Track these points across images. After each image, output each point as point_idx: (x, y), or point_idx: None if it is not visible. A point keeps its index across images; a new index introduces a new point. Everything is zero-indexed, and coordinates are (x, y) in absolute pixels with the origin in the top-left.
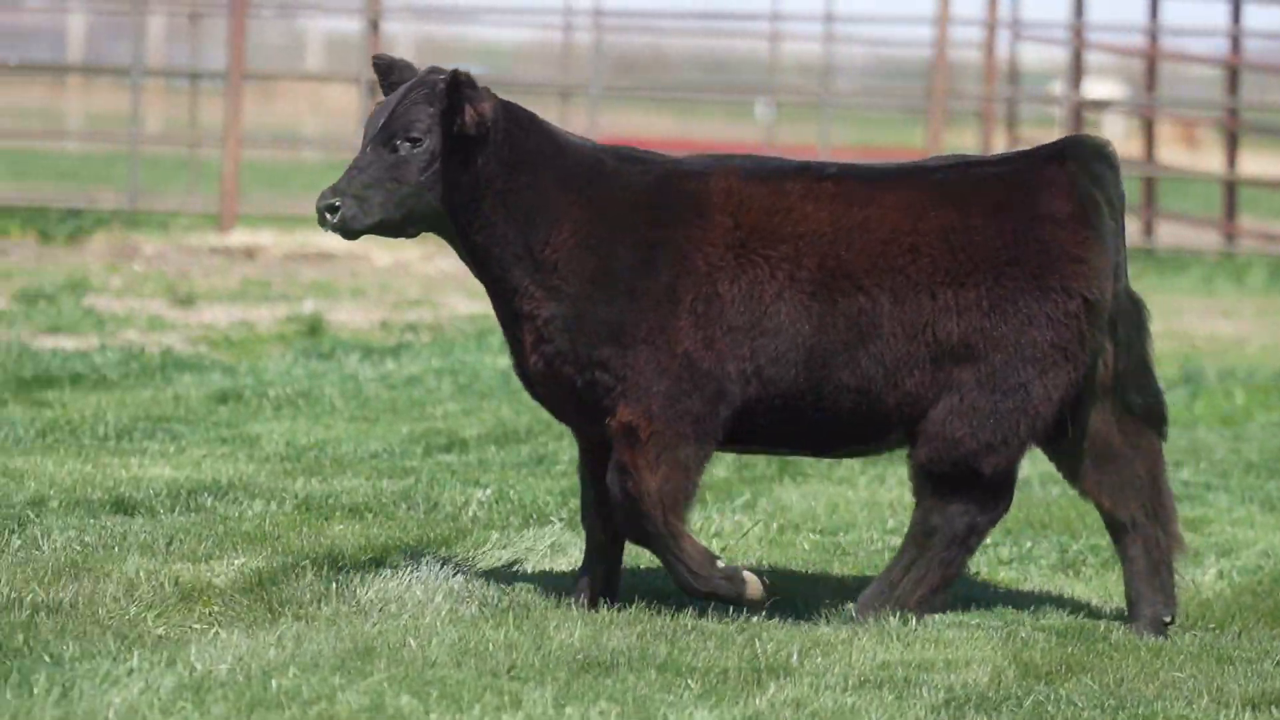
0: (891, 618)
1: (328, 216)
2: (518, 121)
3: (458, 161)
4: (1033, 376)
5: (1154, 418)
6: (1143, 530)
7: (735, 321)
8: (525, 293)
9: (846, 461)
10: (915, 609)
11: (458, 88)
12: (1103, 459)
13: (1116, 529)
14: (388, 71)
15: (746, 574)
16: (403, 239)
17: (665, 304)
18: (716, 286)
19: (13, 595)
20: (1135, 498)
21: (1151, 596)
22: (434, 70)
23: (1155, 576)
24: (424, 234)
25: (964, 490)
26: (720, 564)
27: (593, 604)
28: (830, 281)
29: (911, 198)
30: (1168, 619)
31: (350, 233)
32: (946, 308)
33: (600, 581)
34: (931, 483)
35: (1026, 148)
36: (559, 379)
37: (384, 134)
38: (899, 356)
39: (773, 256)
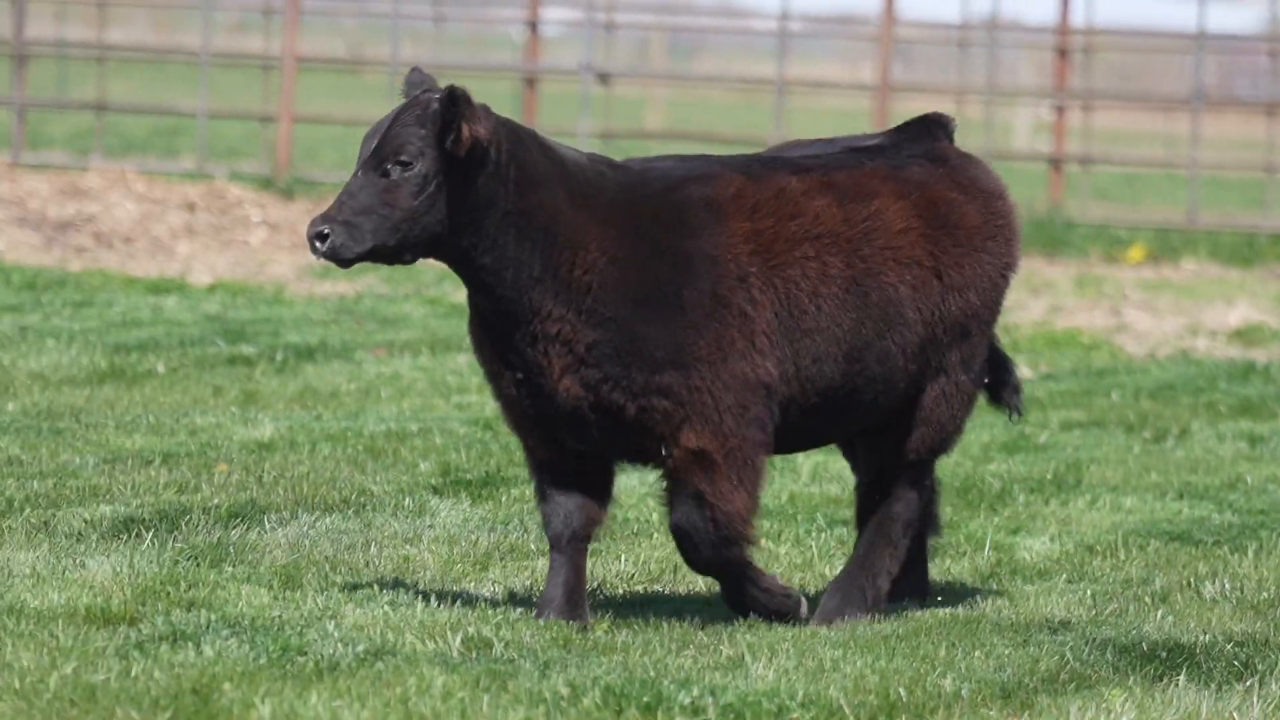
0: None
1: (317, 245)
2: (520, 140)
3: (456, 184)
4: (985, 353)
5: (1014, 390)
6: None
7: (774, 325)
8: (551, 315)
9: None
10: (883, 598)
11: (453, 105)
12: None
13: (870, 504)
14: (411, 90)
15: (792, 589)
16: None
17: (715, 315)
18: (751, 291)
19: None
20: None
21: (915, 575)
22: (429, 89)
23: (918, 559)
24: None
25: (927, 474)
26: (780, 581)
27: (564, 615)
28: (858, 277)
29: (899, 186)
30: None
31: (342, 261)
32: (951, 288)
33: (571, 592)
34: (909, 471)
35: (890, 129)
36: (604, 405)
37: (375, 158)
38: (919, 341)
39: (797, 256)
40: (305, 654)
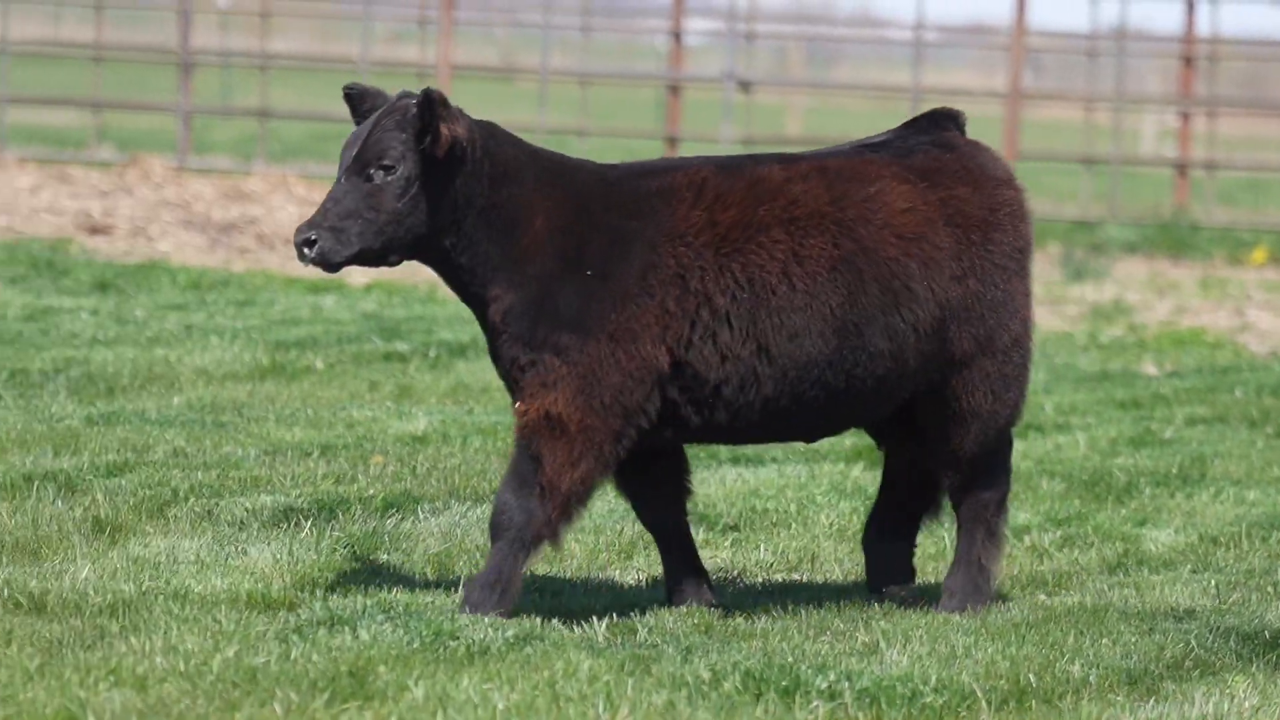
0: None
1: (305, 251)
2: (494, 136)
3: (437, 184)
4: (1021, 331)
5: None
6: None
7: (723, 310)
8: (498, 299)
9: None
10: (997, 580)
11: (430, 108)
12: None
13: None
14: (360, 100)
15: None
16: None
17: (637, 294)
18: (689, 283)
19: None
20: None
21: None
22: (405, 95)
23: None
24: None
25: (998, 455)
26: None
27: (701, 601)
28: (850, 256)
29: (903, 170)
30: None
31: (330, 266)
32: (954, 275)
33: (695, 575)
34: (975, 464)
35: (900, 125)
36: (512, 367)
37: (357, 163)
38: (932, 320)
39: (763, 241)
40: (457, 638)
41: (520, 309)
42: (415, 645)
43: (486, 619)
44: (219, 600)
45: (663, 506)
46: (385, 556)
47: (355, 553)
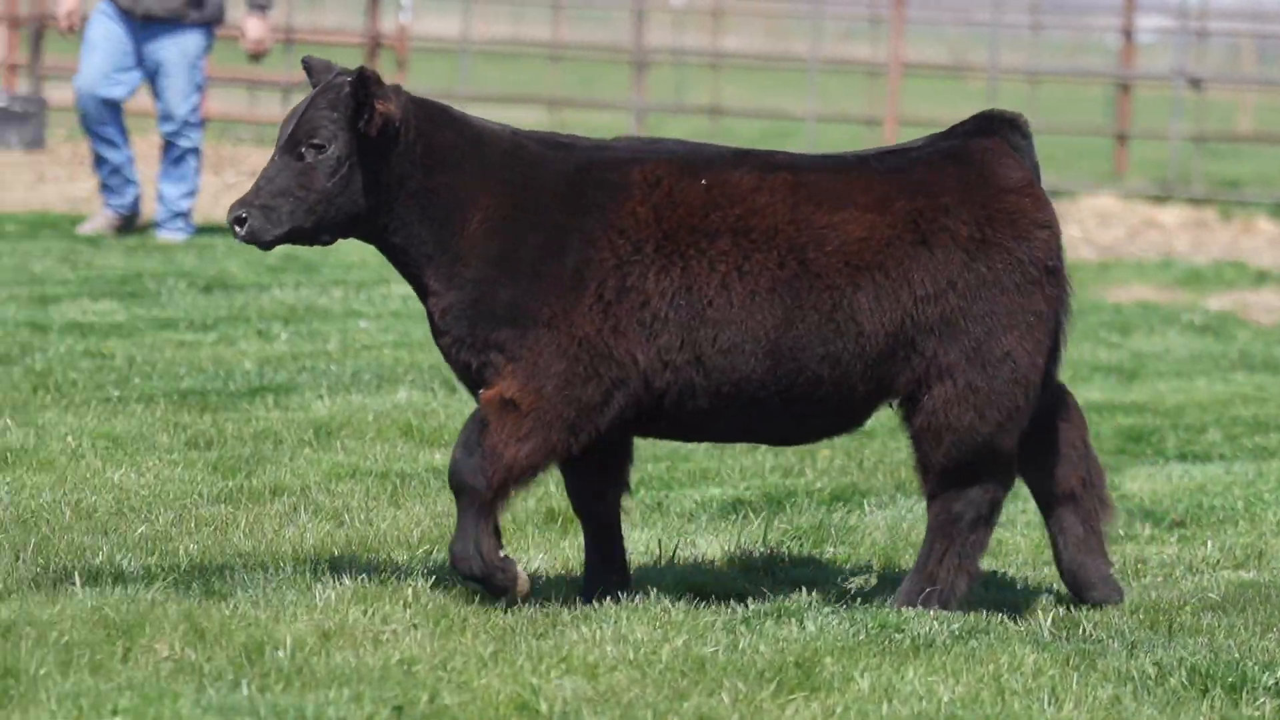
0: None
1: (236, 229)
2: (431, 118)
3: (369, 164)
4: (1018, 352)
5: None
6: (1081, 501)
7: (662, 313)
8: (435, 293)
9: None
10: (960, 599)
11: (363, 86)
12: (1037, 432)
13: (1052, 501)
14: (313, 73)
15: (519, 570)
16: None
17: (570, 289)
18: (626, 280)
19: None
20: (1073, 469)
21: (1096, 563)
22: (341, 73)
23: (1097, 541)
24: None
25: (981, 471)
26: (501, 554)
27: (612, 594)
28: (792, 279)
29: (876, 190)
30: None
31: (261, 244)
32: (926, 295)
33: (611, 569)
34: (949, 475)
35: (940, 130)
36: (459, 365)
37: (290, 141)
38: (883, 349)
39: (707, 248)
40: (902, 631)
41: (459, 311)
42: (861, 637)
43: (930, 613)
44: (668, 590)
45: (597, 494)
46: (831, 549)
47: (802, 545)
